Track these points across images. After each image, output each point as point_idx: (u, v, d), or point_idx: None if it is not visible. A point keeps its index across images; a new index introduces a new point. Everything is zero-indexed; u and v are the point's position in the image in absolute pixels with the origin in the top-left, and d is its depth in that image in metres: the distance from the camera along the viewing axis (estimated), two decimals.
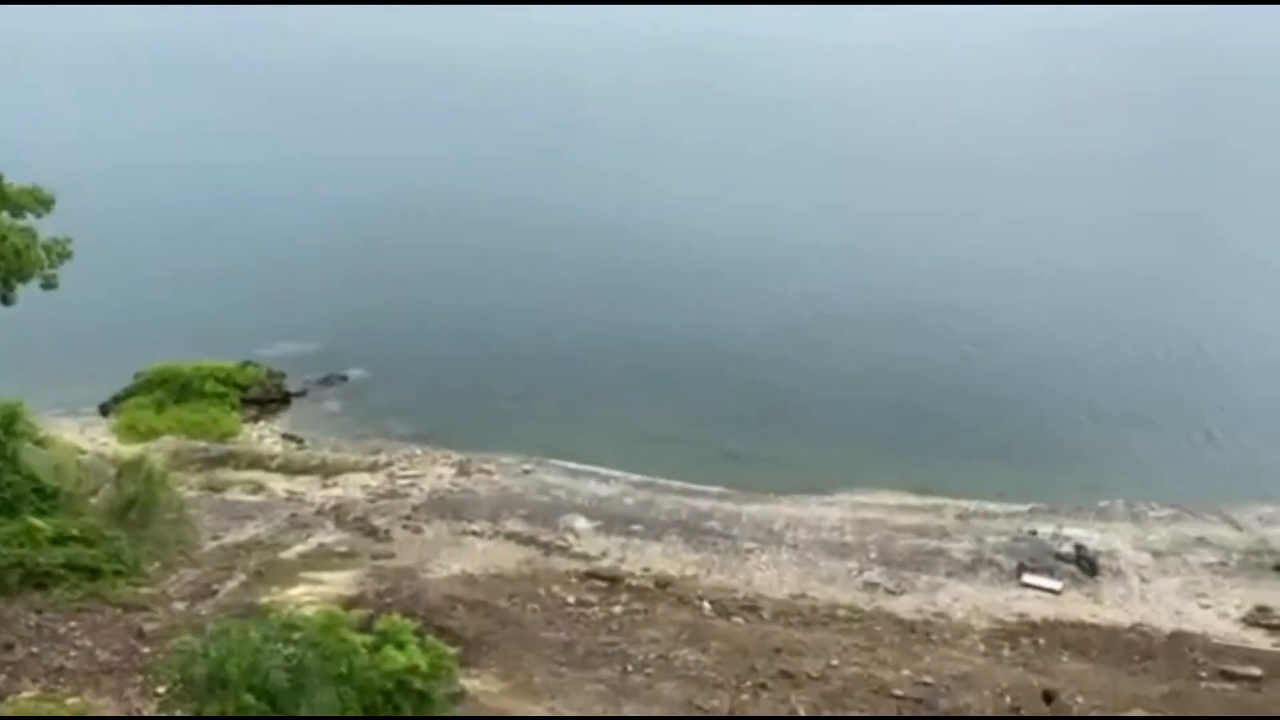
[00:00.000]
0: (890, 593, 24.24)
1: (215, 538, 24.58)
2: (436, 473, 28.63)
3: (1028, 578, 24.87)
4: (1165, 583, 24.85)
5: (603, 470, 29.26)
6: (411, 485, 27.95)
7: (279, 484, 27.95)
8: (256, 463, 28.96)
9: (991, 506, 28.28)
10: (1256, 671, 21.20)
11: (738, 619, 22.71)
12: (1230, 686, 20.77)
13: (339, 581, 22.25)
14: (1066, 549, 25.71)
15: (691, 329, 36.66)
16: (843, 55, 68.50)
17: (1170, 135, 55.21)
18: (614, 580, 23.84)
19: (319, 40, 71.48)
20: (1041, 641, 22.64)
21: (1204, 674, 21.29)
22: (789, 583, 24.51)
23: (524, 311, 37.76)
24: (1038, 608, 23.87)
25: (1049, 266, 39.75)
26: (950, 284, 38.72)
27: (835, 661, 21.08)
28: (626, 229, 42.99)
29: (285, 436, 30.94)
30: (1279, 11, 73.09)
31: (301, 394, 33.07)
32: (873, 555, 25.58)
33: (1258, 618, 23.45)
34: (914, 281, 39.00)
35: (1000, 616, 23.52)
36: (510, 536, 25.73)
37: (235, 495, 27.16)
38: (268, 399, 32.45)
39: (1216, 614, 23.67)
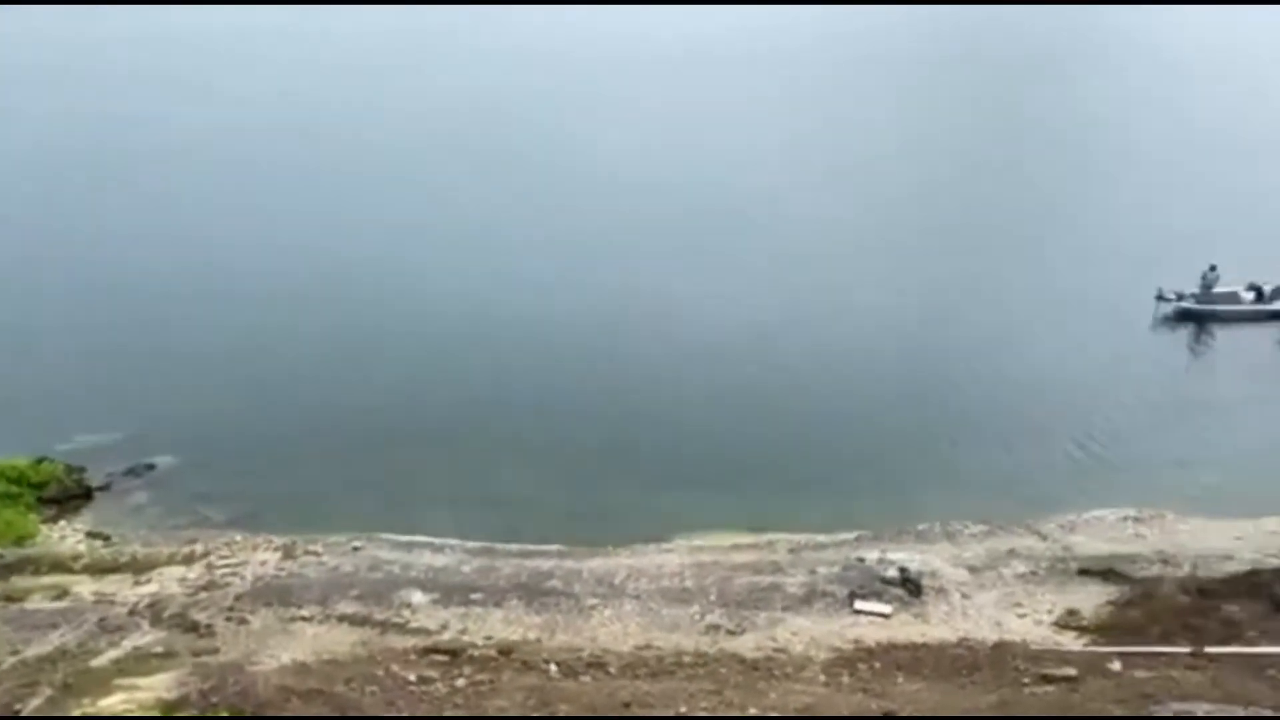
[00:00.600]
0: (732, 633, 24.70)
1: (14, 652, 23.05)
2: (260, 559, 27.68)
3: (859, 604, 25.74)
4: (984, 596, 26.10)
5: (437, 540, 28.83)
6: (233, 574, 26.85)
7: (85, 586, 26.32)
8: (58, 565, 27.24)
9: (820, 538, 29.16)
10: (1072, 672, 22.50)
11: (585, 678, 22.69)
12: (1050, 689, 21.96)
13: (158, 685, 21.17)
14: (892, 573, 26.74)
15: (515, 388, 36.54)
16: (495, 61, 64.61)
17: (954, 145, 56.70)
18: (456, 653, 23.43)
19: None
20: (877, 665, 23.44)
21: (1026, 680, 22.45)
22: (634, 635, 24.69)
23: (341, 380, 36.77)
24: (871, 633, 24.72)
25: (843, 294, 41.15)
26: (750, 321, 39.55)
27: (684, 709, 21.30)
28: (442, 289, 42.27)
29: (90, 535, 29.24)
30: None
31: (105, 487, 31.39)
32: (713, 597, 26.00)
33: (1068, 620, 24.92)
34: (720, 320, 39.68)
35: (837, 645, 24.26)
36: (343, 618, 25.02)
37: (36, 603, 25.43)
38: (68, 496, 30.64)
39: (1032, 621, 25.00)
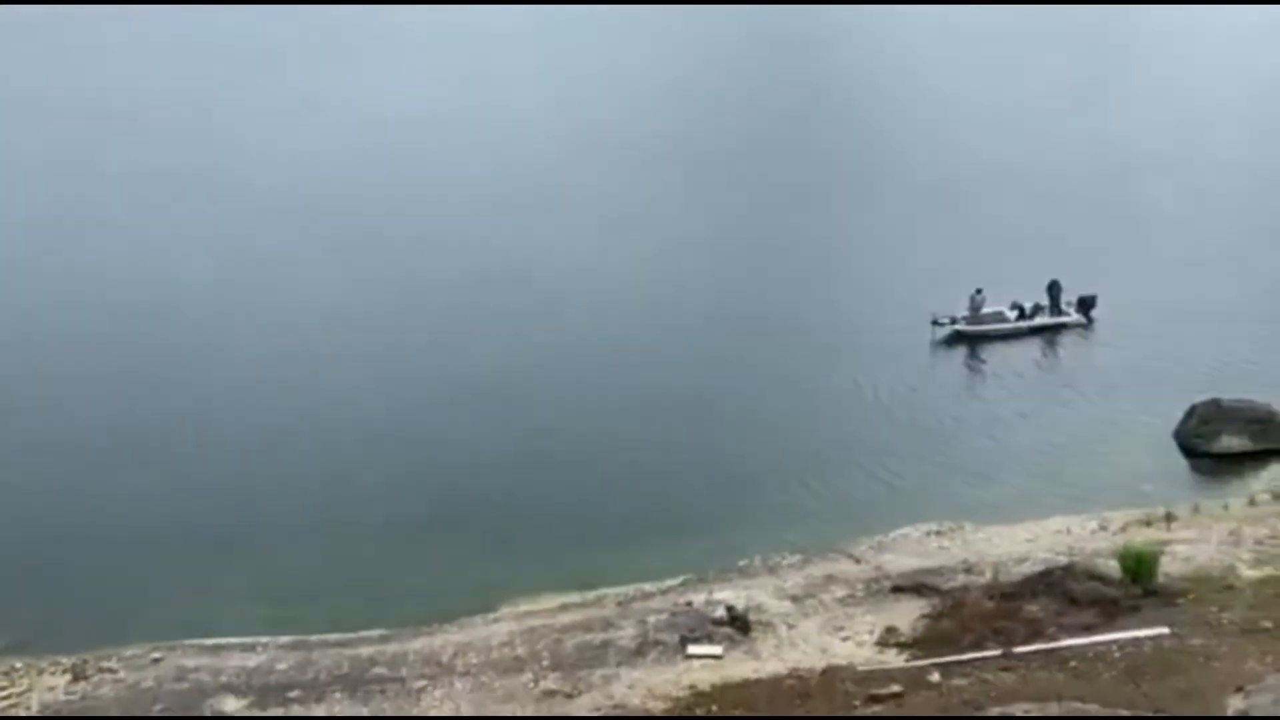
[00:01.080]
0: (568, 696, 24.52)
1: None
2: (45, 684, 25.60)
3: (691, 649, 25.94)
4: (808, 624, 26.79)
5: (247, 639, 27.51)
6: (14, 706, 24.82)
7: None
8: None
9: (648, 586, 29.32)
10: (898, 688, 23.29)
11: None
12: (879, 708, 22.72)
13: None
14: (720, 613, 27.05)
15: (308, 466, 35.34)
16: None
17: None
18: None
19: None
20: (715, 708, 23.60)
21: (856, 701, 23.11)
22: (467, 712, 24.21)
23: (117, 470, 34.49)
24: (705, 676, 24.94)
25: (624, 339, 41.65)
26: (527, 374, 39.41)
27: None
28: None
29: None
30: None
31: None
32: (545, 662, 25.78)
33: (888, 638, 25.87)
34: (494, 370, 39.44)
35: (673, 693, 24.35)
36: None
37: None
38: None
39: (855, 643, 25.81)
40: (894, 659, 24.87)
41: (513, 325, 42.40)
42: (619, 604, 28.51)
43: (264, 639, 27.58)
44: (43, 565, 30.40)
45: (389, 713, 24.47)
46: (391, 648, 27.01)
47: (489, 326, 42.31)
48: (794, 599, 27.81)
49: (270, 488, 34.28)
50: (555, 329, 42.32)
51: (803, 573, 29.06)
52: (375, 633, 27.91)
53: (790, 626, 26.66)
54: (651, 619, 27.29)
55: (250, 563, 31.05)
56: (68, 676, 26.14)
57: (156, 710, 24.66)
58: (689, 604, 27.78)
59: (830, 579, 28.56)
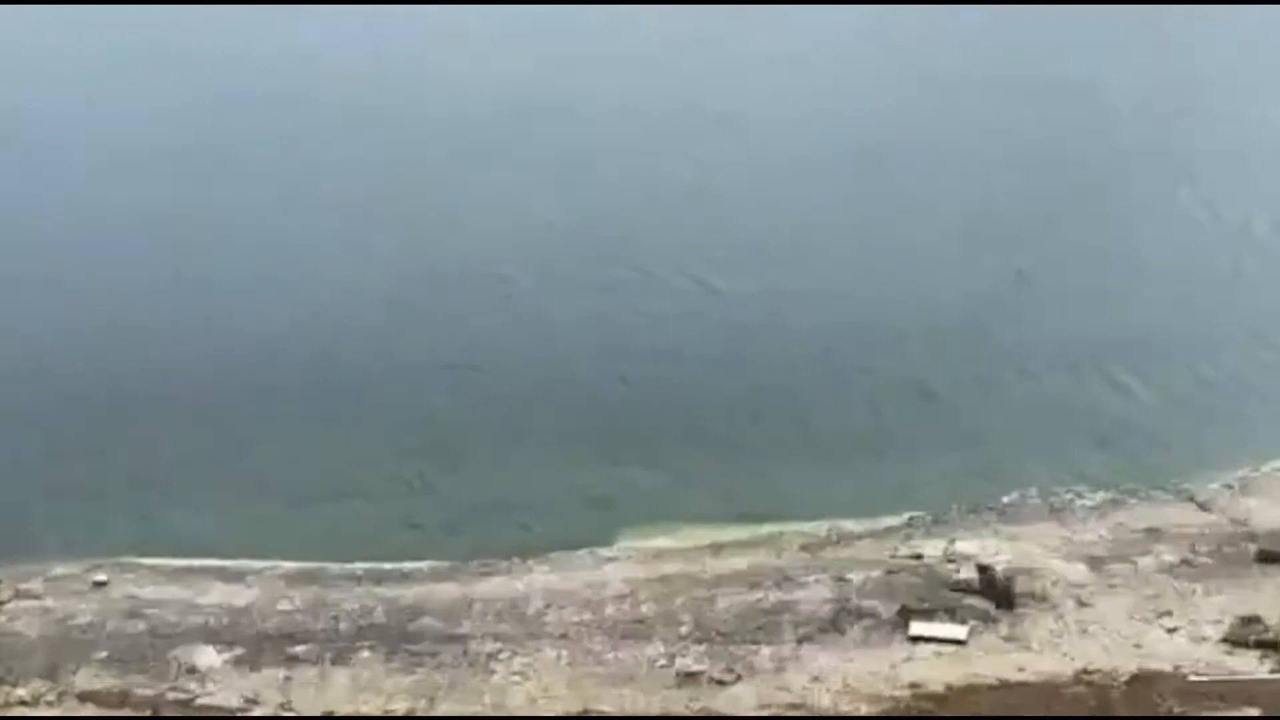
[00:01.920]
0: (720, 683, 24.64)
1: None
2: None
3: (917, 627, 25.57)
4: (1112, 603, 26.10)
5: (232, 563, 28.27)
6: None
7: None
8: None
9: (850, 525, 29.11)
10: (1254, 713, 22.47)
11: None
12: None
13: None
14: (966, 574, 26.52)
15: (335, 322, 36.89)
16: None
17: None
18: None
19: None
20: None
21: None
22: (563, 696, 24.40)
23: (62, 336, 36.65)
24: (938, 670, 24.57)
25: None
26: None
27: None
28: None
29: None
30: None
31: None
32: (686, 629, 25.88)
33: (1242, 633, 24.86)
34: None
35: (886, 692, 24.15)
36: (88, 698, 24.66)
37: None
38: None
39: (1188, 637, 25.06)
40: (1252, 665, 24.26)
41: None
42: (804, 549, 28.24)
43: (259, 564, 28.09)
44: None
45: (440, 688, 24.60)
46: (448, 590, 27.28)
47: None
48: (1091, 561, 27.22)
49: (282, 349, 35.66)
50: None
51: (1108, 521, 28.59)
52: (426, 565, 28.21)
53: (1082, 604, 26.09)
54: (854, 576, 27.00)
55: (246, 452, 31.95)
56: None
57: (100, 658, 25.36)
58: (917, 557, 27.42)
59: (1154, 534, 27.95)
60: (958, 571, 26.83)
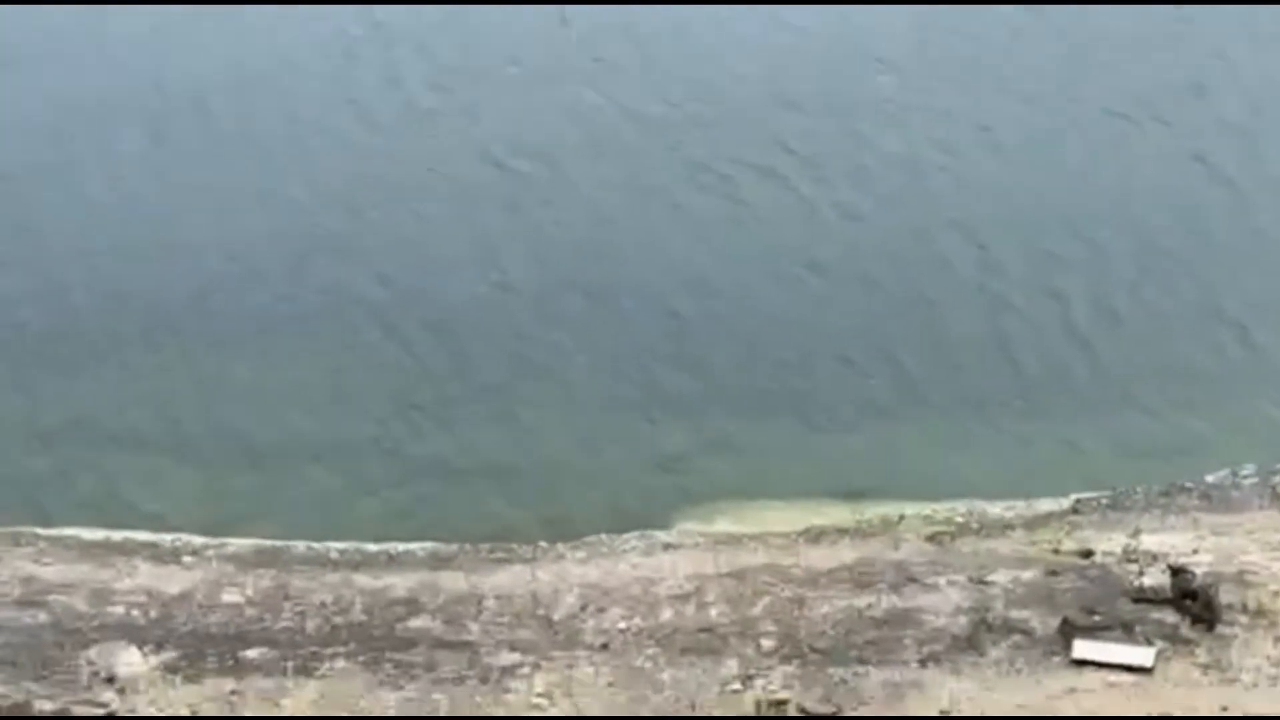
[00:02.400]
0: (813, 716, 24.61)
1: None
2: None
3: (1084, 648, 25.47)
4: None
5: (166, 537, 28.98)
6: None
7: None
8: None
9: (994, 509, 29.44)
10: None
11: None
12: None
13: None
14: (1153, 579, 26.43)
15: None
16: None
17: None
18: None
19: None
20: None
21: None
22: None
23: None
24: (1112, 706, 24.47)
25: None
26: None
27: None
28: None
29: None
30: None
31: None
32: (769, 643, 26.01)
33: None
34: None
35: None
36: None
37: None
38: None
39: None
40: None
41: None
42: (931, 539, 28.49)
43: (199, 540, 28.80)
44: None
45: (436, 710, 24.80)
46: (451, 581, 27.66)
47: None
48: None
49: (247, 259, 36.95)
50: None
51: None
52: (421, 548, 28.72)
53: None
54: (1000, 577, 27.08)
55: (179, 390, 32.84)
56: None
57: None
58: (1085, 555, 27.49)
59: None
60: (1141, 575, 26.76)
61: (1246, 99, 42.89)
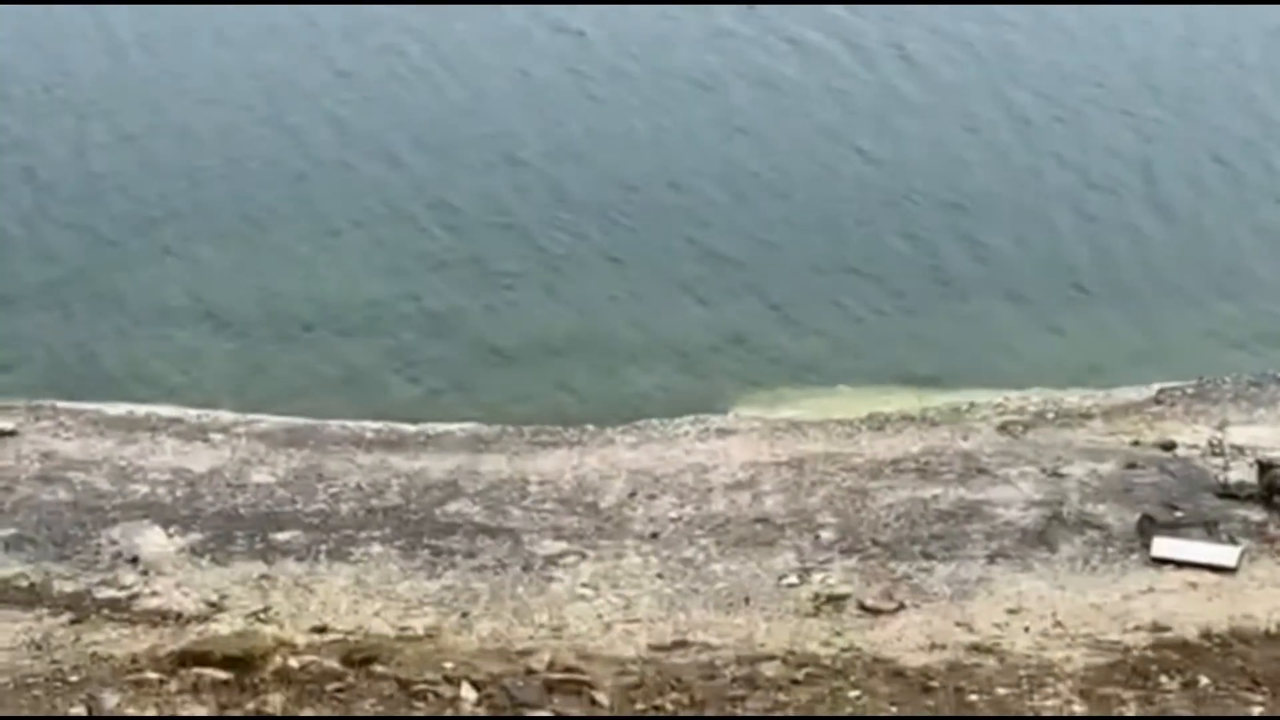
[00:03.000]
0: (874, 612, 24.73)
1: None
2: None
3: (1164, 546, 25.38)
4: None
5: (192, 412, 29.16)
6: None
7: None
8: None
9: (1071, 398, 29.37)
10: None
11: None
12: None
13: None
14: (1239, 474, 26.30)
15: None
16: None
17: None
18: (248, 661, 23.22)
19: None
20: (1205, 682, 23.00)
21: None
22: (649, 619, 24.57)
23: None
24: (1193, 608, 24.38)
25: None
26: None
27: None
28: None
29: None
30: None
31: None
32: (828, 535, 26.05)
33: None
34: None
35: (1114, 635, 24.03)
36: None
37: None
38: None
39: None
40: None
41: None
42: (1002, 428, 28.44)
43: (228, 416, 29.06)
44: None
45: (477, 600, 24.81)
46: (493, 464, 27.73)
47: None
48: None
49: (269, 117, 38.25)
50: None
51: None
52: (461, 429, 28.81)
53: None
54: (1073, 469, 27.05)
55: (209, 260, 33.47)
56: None
57: (6, 535, 26.07)
58: (1168, 447, 27.42)
59: None
60: (1226, 469, 26.54)
61: None
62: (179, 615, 24.74)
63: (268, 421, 29.10)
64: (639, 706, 22.86)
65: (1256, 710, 22.61)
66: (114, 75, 41.54)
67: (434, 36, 42.82)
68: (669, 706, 22.91)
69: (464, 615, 24.75)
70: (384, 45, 42.68)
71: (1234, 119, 38.16)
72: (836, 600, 24.92)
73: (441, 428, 29.11)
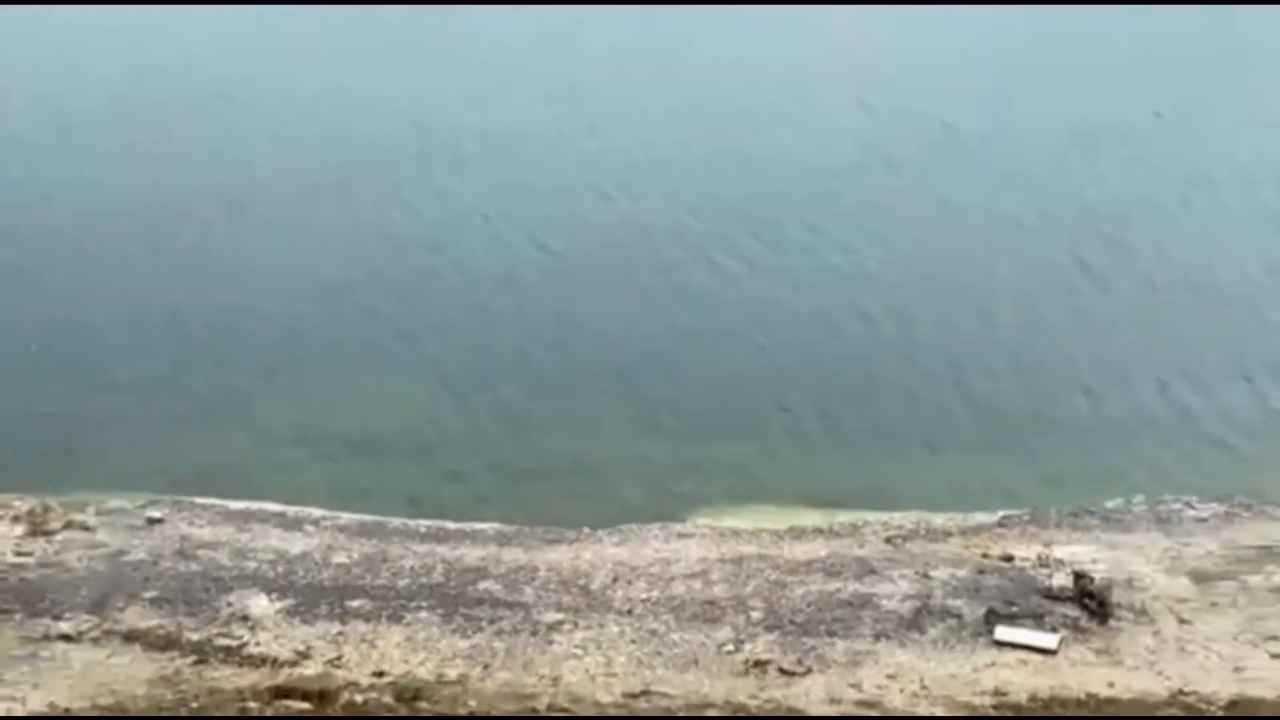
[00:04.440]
0: (789, 674, 24.49)
1: None
2: None
3: (1003, 632, 25.26)
4: (1216, 623, 25.48)
5: (290, 509, 28.59)
6: None
7: None
8: None
9: (938, 520, 28.91)
10: None
11: None
12: None
13: None
14: (1061, 581, 26.14)
15: (413, 269, 38.01)
16: None
17: None
18: (324, 696, 23.39)
19: None
20: None
21: None
22: (624, 674, 24.32)
23: (116, 255, 38.00)
24: (1024, 678, 24.26)
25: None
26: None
27: None
28: None
29: None
30: None
31: None
32: (757, 615, 25.76)
33: None
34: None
35: (965, 698, 23.88)
36: (134, 637, 24.88)
37: None
38: None
39: None
40: None
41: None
42: (888, 540, 28.09)
43: (318, 512, 28.50)
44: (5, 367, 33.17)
45: (497, 655, 24.68)
46: (512, 554, 27.40)
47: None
48: (1196, 577, 26.69)
49: (355, 294, 36.69)
50: None
51: (1220, 536, 28.06)
52: (490, 528, 28.44)
53: (1183, 621, 25.51)
54: (939, 574, 26.80)
55: (309, 397, 32.73)
56: (22, 527, 27.54)
57: (149, 597, 25.71)
58: (1008, 559, 27.15)
59: (1268, 552, 27.41)
60: (1051, 577, 26.41)
61: None
62: (275, 660, 24.65)
63: (345, 518, 28.74)
64: None
65: None
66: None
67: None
68: None
69: (486, 666, 24.62)
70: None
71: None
72: (762, 664, 24.78)
73: (476, 526, 28.71)
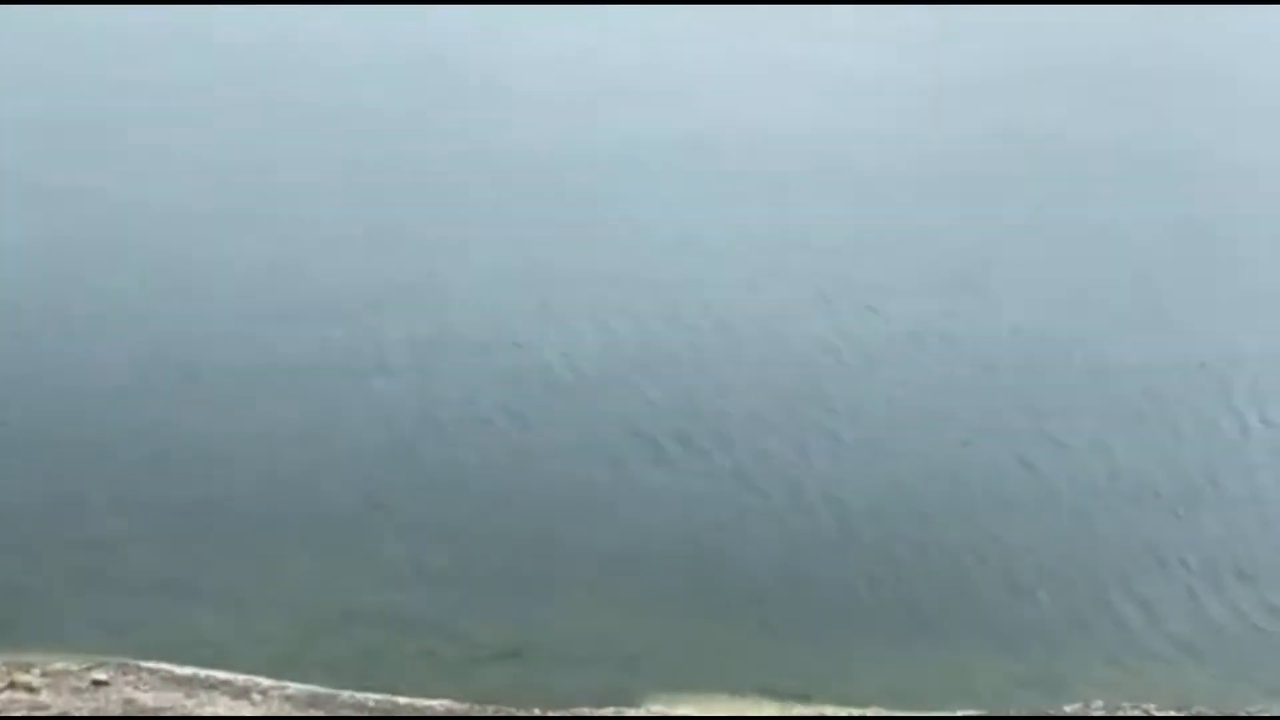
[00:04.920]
0: None
1: None
2: None
3: None
4: None
5: (240, 677, 28.17)
6: None
7: None
8: None
9: (894, 715, 28.53)
10: None
11: None
12: None
13: None
14: None
15: (365, 437, 37.63)
16: None
17: None
18: None
19: None
20: None
21: None
22: None
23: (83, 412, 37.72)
24: None
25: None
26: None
27: None
28: None
29: None
30: None
31: None
32: None
33: None
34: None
35: None
36: None
37: None
38: None
39: None
40: None
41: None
42: None
43: (267, 682, 28.08)
44: None
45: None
46: None
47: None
48: None
49: (312, 453, 36.38)
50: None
51: None
52: (441, 704, 27.88)
53: None
54: None
55: (268, 561, 32.42)
56: None
57: None
58: None
59: None
60: None
61: None
62: None
63: (293, 688, 28.22)
64: None
65: None
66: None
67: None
68: None
69: None
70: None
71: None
72: None
73: (423, 703, 28.01)
